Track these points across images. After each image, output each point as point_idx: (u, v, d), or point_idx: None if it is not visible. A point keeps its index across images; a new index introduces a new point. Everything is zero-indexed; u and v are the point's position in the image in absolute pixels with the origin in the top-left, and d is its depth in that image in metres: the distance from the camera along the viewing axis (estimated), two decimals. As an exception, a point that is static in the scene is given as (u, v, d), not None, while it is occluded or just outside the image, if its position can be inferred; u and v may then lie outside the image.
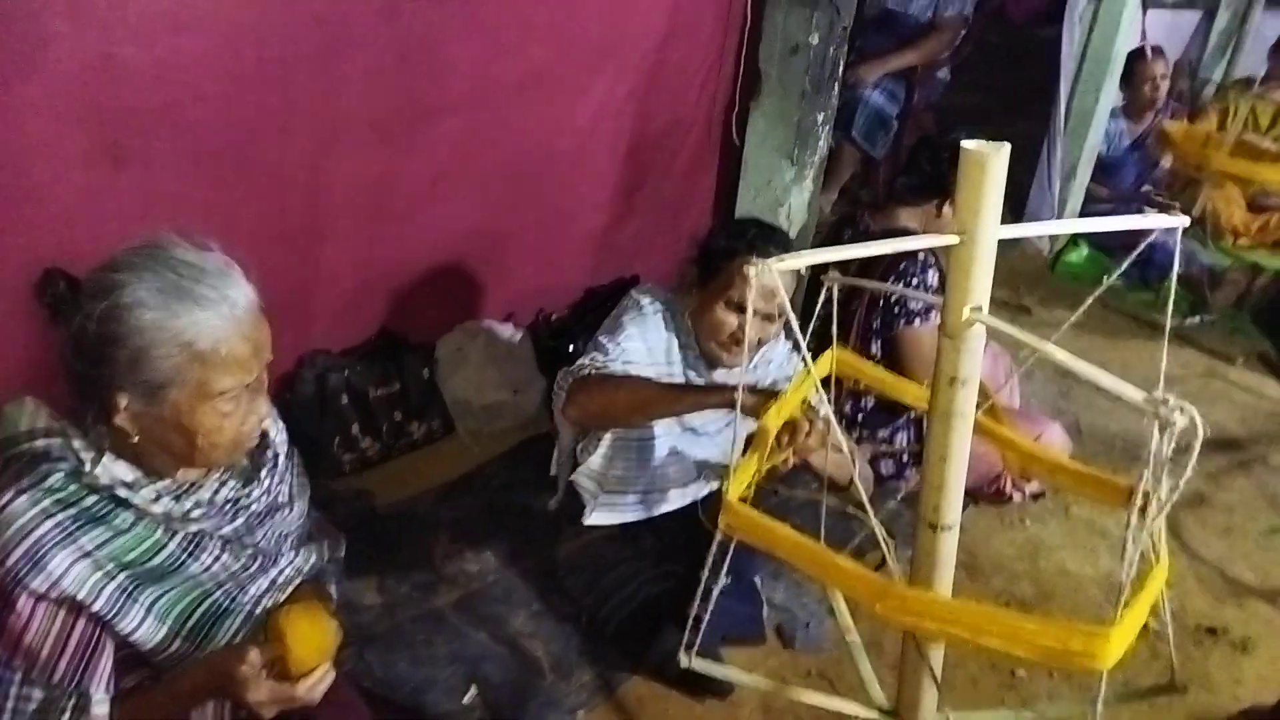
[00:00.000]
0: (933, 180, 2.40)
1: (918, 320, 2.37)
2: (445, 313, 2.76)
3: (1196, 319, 3.97)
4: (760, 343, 1.94)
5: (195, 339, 1.10)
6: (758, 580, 2.12)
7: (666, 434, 2.04)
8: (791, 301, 1.92)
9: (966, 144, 1.00)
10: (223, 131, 2.01)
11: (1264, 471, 2.96)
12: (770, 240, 1.89)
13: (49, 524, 1.08)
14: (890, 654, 2.10)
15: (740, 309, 1.86)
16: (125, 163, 1.88)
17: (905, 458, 2.55)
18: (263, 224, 2.16)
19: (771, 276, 1.78)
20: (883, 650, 2.08)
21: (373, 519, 2.31)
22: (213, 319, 1.11)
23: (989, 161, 0.98)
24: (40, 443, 1.13)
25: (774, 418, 1.33)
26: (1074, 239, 4.61)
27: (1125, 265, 1.22)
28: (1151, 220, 1.13)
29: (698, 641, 1.37)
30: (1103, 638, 0.94)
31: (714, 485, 2.08)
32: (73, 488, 1.11)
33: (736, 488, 1.24)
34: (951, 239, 1.02)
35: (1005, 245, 1.04)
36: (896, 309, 2.38)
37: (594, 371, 1.84)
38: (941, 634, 1.01)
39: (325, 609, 1.29)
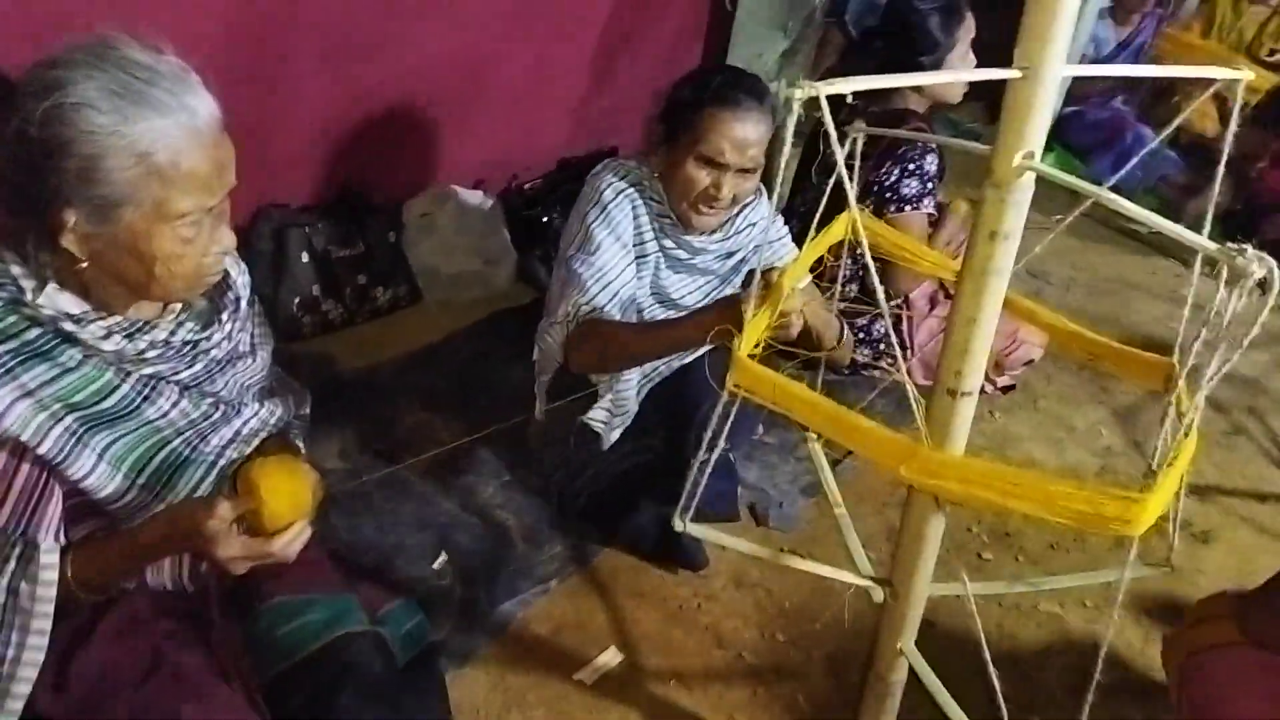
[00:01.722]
0: (907, 47, 2.27)
1: (908, 207, 2.29)
2: (411, 173, 2.60)
3: (1166, 227, 3.96)
4: (735, 200, 1.80)
5: (153, 149, 0.96)
6: (731, 457, 2.08)
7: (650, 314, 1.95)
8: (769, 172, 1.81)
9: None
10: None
11: (1225, 375, 2.99)
12: (739, 87, 1.71)
13: None
14: (862, 533, 2.10)
15: (712, 163, 1.73)
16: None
17: (882, 346, 2.52)
18: (216, 53, 1.95)
19: (756, 121, 1.68)
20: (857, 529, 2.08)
21: (336, 384, 2.20)
22: (172, 128, 0.97)
23: (1063, -14, 0.88)
24: None
25: (790, 277, 1.25)
26: (1047, 142, 4.56)
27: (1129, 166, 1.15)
28: (1212, 71, 1.05)
29: (692, 507, 1.31)
30: (1139, 504, 0.90)
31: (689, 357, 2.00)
32: (11, 319, 1.00)
33: (747, 345, 1.17)
34: (1013, 73, 0.93)
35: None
36: (889, 194, 2.29)
37: (580, 321, 1.71)
38: (968, 497, 0.97)
39: (301, 462, 1.20)
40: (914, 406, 1.04)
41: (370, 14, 2.22)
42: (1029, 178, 0.98)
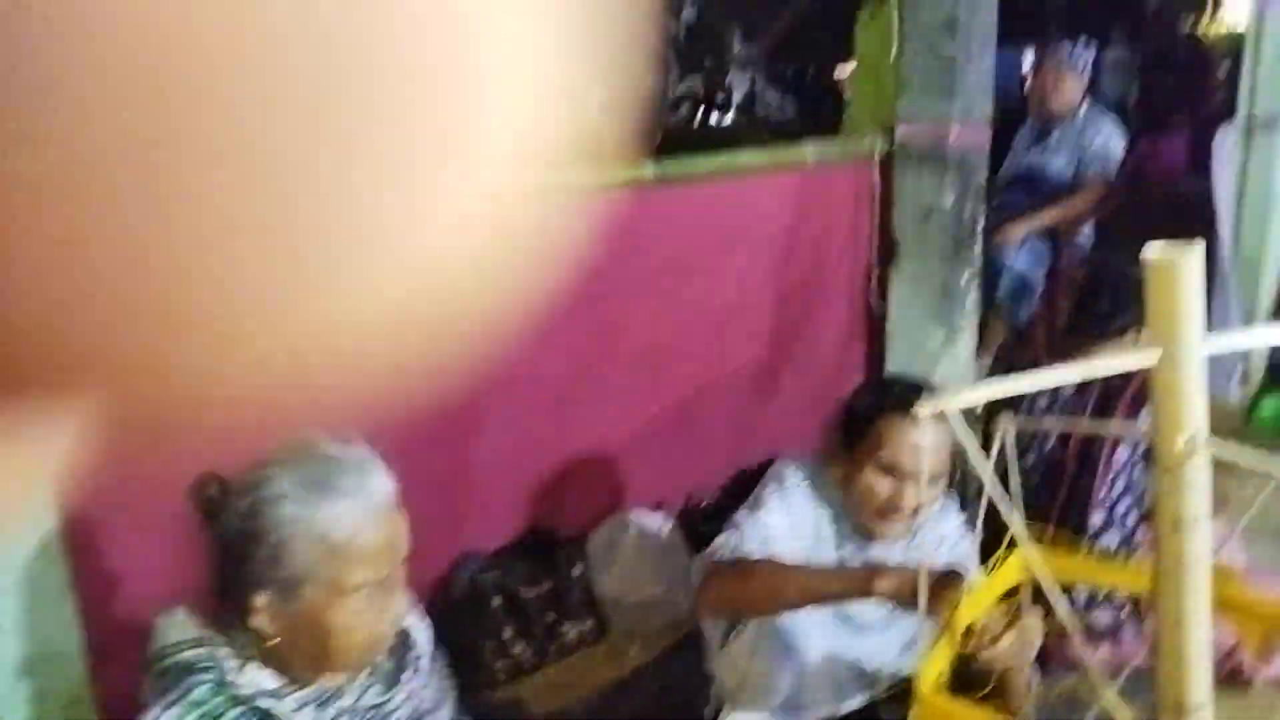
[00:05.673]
0: (1115, 312, 2.20)
1: None
2: (593, 506, 2.71)
3: None
4: (919, 510, 1.75)
5: (330, 530, 1.08)
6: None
7: (818, 626, 1.84)
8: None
9: (1148, 253, 0.89)
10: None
11: None
12: (919, 394, 1.73)
13: None
14: None
15: (893, 471, 1.71)
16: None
17: (1122, 615, 2.22)
18: (418, 427, 2.20)
19: (939, 426, 1.66)
20: None
21: (528, 732, 2.18)
22: (349, 510, 1.09)
23: (1178, 266, 0.86)
24: (187, 654, 1.12)
25: (964, 615, 1.16)
26: (1266, 385, 4.19)
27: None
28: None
29: None
30: None
31: (874, 693, 1.84)
32: (216, 700, 1.08)
33: (929, 678, 1.06)
34: (1149, 358, 0.88)
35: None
36: None
37: (726, 555, 1.70)
38: None
39: None
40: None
41: (543, 380, 2.47)
42: (1201, 459, 0.89)
